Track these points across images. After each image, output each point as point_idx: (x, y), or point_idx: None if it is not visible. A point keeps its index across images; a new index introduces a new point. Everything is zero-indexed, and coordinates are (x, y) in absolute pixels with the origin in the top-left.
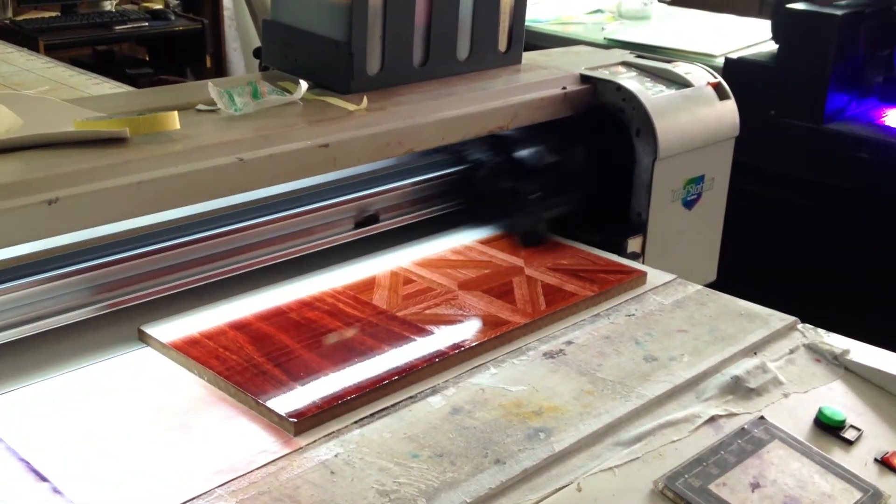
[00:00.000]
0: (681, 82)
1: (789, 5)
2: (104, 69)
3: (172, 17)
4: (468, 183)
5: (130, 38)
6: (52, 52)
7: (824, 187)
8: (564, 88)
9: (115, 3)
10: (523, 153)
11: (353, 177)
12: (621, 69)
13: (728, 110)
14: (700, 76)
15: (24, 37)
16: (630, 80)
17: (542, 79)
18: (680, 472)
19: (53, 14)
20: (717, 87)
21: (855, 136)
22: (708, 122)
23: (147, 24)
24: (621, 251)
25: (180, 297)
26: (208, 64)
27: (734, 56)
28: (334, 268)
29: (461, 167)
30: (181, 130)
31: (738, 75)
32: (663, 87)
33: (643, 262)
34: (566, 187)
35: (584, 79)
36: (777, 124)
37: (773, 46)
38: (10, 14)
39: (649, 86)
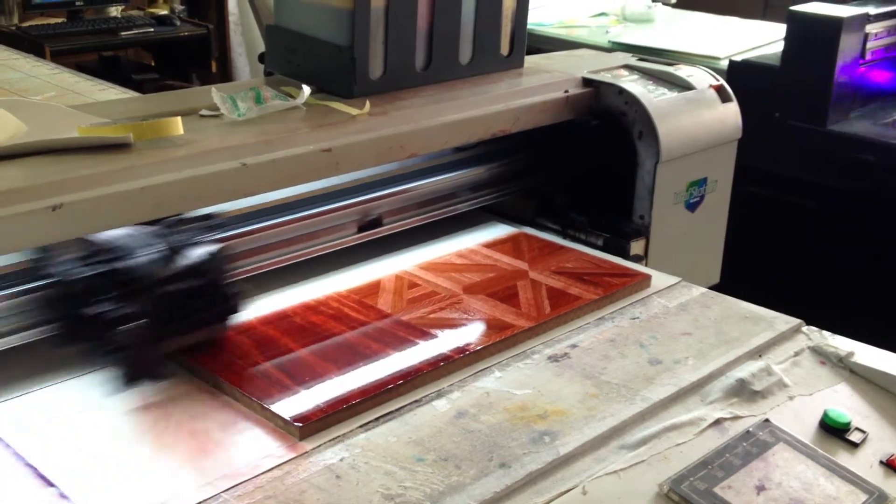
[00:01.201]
0: (683, 85)
1: (793, 8)
2: (110, 75)
3: (178, 23)
4: (50, 305)
5: (136, 43)
6: (58, 58)
7: (829, 189)
8: (566, 92)
9: (120, 8)
10: (134, 261)
11: (356, 180)
12: (623, 72)
13: (730, 113)
14: (702, 79)
15: (29, 43)
16: (632, 84)
17: (544, 82)
18: (685, 475)
19: (59, 20)
20: (719, 90)
21: (859, 139)
22: (710, 124)
23: (152, 29)
24: (624, 254)
25: None
26: (213, 69)
27: (738, 58)
28: (339, 272)
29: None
30: (184, 136)
31: (743, 78)
32: (665, 90)
33: (646, 265)
34: (206, 303)
35: (587, 82)
36: (781, 126)
37: (777, 49)
38: (15, 20)
39: (651, 89)
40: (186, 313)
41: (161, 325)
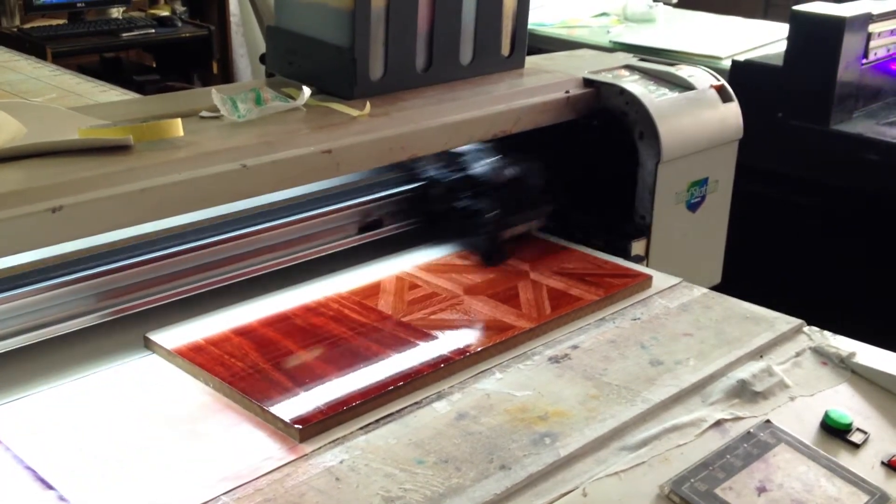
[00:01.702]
0: (684, 85)
1: (796, 7)
2: (111, 76)
3: (179, 24)
4: (422, 201)
5: (137, 44)
6: (60, 59)
7: (832, 189)
8: (567, 92)
9: (121, 10)
10: (479, 169)
11: (357, 181)
12: (624, 72)
13: (731, 113)
14: (703, 79)
15: (31, 45)
16: (633, 84)
17: (545, 83)
18: (686, 476)
19: (60, 22)
20: (720, 90)
21: (862, 138)
22: (711, 124)
23: (154, 30)
24: (625, 254)
25: (185, 303)
26: (215, 70)
27: (741, 58)
28: (339, 273)
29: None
30: (185, 137)
31: (745, 78)
32: (666, 91)
33: (647, 265)
34: (528, 203)
35: (588, 82)
36: (784, 126)
37: (780, 48)
38: (17, 22)
39: (652, 89)
40: (518, 209)
41: (504, 217)
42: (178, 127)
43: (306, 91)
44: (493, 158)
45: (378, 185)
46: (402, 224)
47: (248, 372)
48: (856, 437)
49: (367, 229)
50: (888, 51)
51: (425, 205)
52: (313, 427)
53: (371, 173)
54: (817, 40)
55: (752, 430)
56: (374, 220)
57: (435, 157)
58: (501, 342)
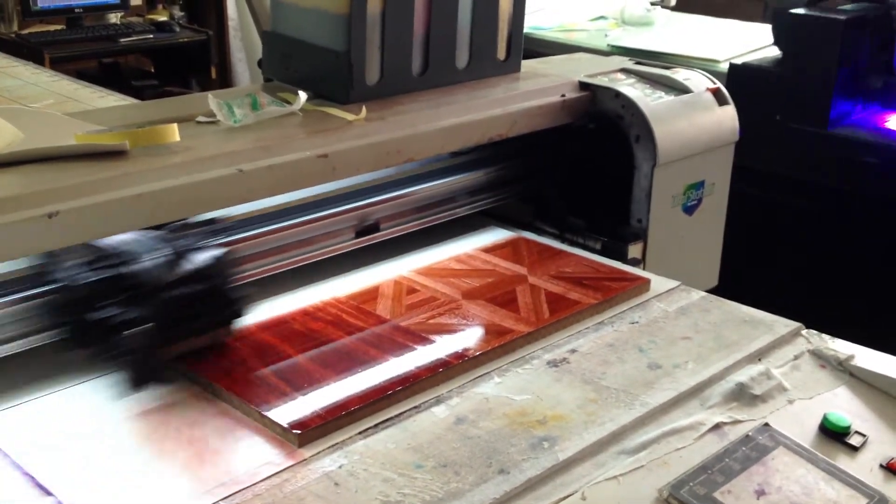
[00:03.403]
0: (680, 88)
1: (793, 10)
2: (110, 81)
3: (177, 29)
4: (55, 310)
5: (135, 50)
6: (58, 65)
7: (830, 191)
8: (563, 96)
9: (119, 15)
10: (139, 265)
11: (353, 186)
12: (620, 76)
13: (727, 116)
14: (699, 82)
15: (29, 50)
16: (629, 87)
17: (541, 86)
18: (685, 479)
19: (59, 27)
20: (716, 93)
21: (859, 141)
22: (707, 127)
23: (152, 35)
24: (622, 257)
25: None
26: (213, 75)
27: (739, 61)
28: (337, 277)
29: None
30: (181, 142)
31: (743, 81)
32: (662, 94)
33: (644, 268)
34: (209, 308)
35: (583, 86)
36: (782, 129)
37: (777, 52)
38: (15, 28)
39: (648, 92)
40: (191, 318)
41: (166, 330)
42: (174, 132)
43: (302, 96)
44: (165, 250)
45: (375, 188)
46: (400, 227)
47: (246, 377)
48: (854, 440)
49: (365, 233)
50: (885, 53)
51: (57, 314)
52: (312, 432)
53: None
54: (814, 43)
55: (750, 434)
56: (372, 224)
57: (82, 249)
58: (500, 346)
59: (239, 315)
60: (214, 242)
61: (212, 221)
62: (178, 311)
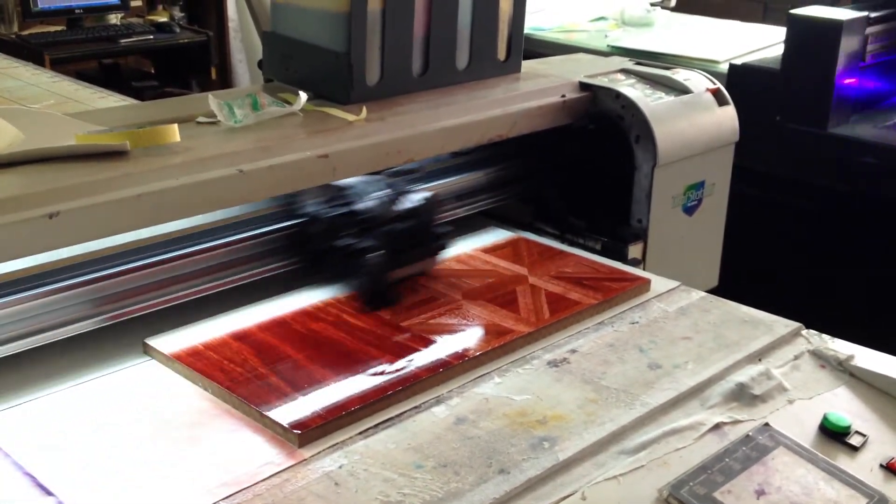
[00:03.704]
0: (680, 89)
1: (793, 11)
2: (110, 82)
3: (177, 30)
4: (302, 239)
5: (136, 50)
6: (58, 66)
7: (830, 192)
8: (563, 96)
9: (120, 16)
10: (366, 204)
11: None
12: (620, 76)
13: (727, 116)
14: (699, 82)
15: (29, 51)
16: (629, 88)
17: (541, 87)
18: (685, 479)
19: (59, 28)
20: (716, 94)
21: (860, 141)
22: (707, 128)
23: (152, 36)
24: (622, 258)
25: (184, 308)
26: (213, 76)
27: (739, 62)
28: None
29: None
30: (181, 143)
31: (743, 81)
32: (662, 94)
33: (644, 269)
34: (422, 240)
35: (584, 86)
36: (782, 130)
37: (777, 52)
38: (15, 29)
39: (648, 93)
40: (408, 248)
41: (391, 257)
42: (174, 132)
43: (303, 96)
44: (384, 192)
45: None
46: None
47: (246, 377)
48: (854, 440)
49: None
50: (886, 54)
51: (305, 243)
52: (312, 432)
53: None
54: (815, 44)
55: (750, 434)
56: None
57: (319, 191)
58: (500, 346)
59: (444, 248)
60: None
61: (415, 170)
62: (400, 242)
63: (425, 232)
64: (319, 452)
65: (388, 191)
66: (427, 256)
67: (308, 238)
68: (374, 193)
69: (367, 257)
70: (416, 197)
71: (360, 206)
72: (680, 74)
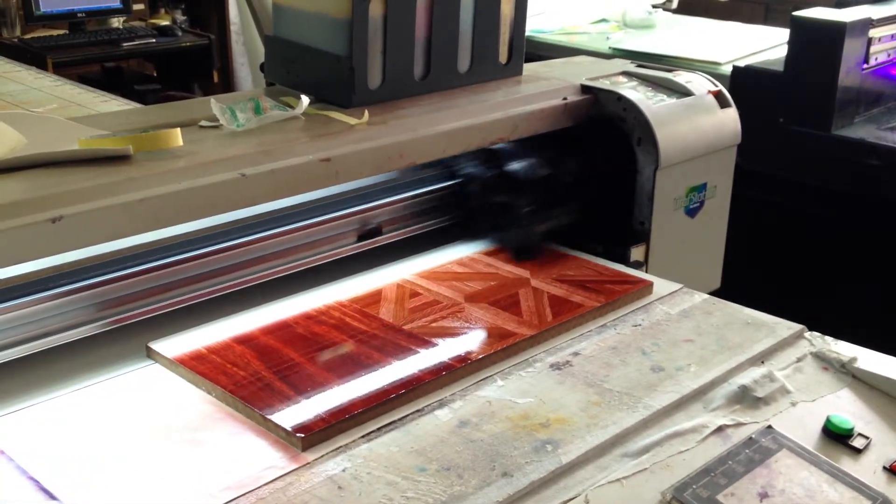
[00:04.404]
0: (681, 91)
1: (796, 13)
2: (112, 86)
3: (179, 33)
4: (461, 196)
5: (138, 54)
6: (61, 69)
7: (833, 194)
8: (565, 99)
9: (122, 20)
10: (516, 166)
11: (355, 190)
12: (622, 79)
13: (729, 118)
14: (701, 85)
15: (32, 55)
16: (630, 90)
17: (542, 90)
18: (688, 482)
19: (61, 32)
20: (717, 96)
21: (864, 143)
22: (709, 130)
23: (154, 40)
24: (625, 260)
25: (187, 312)
26: (215, 79)
27: (741, 64)
28: (340, 281)
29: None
30: (184, 147)
31: (746, 83)
32: (664, 97)
33: (646, 271)
34: (560, 200)
35: (585, 89)
36: (785, 132)
37: (780, 54)
38: (18, 32)
39: (650, 95)
40: (554, 205)
41: (539, 212)
42: (177, 137)
43: (305, 100)
44: (526, 157)
45: (378, 192)
46: (402, 231)
47: (249, 380)
48: (857, 443)
49: (367, 237)
50: (889, 55)
51: (463, 200)
52: (315, 435)
53: (369, 180)
54: (818, 46)
55: (753, 436)
56: (374, 228)
57: (474, 154)
58: (503, 349)
59: (573, 214)
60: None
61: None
62: (545, 200)
63: (562, 192)
64: (323, 456)
65: (532, 159)
66: (565, 213)
67: (466, 195)
68: (520, 159)
69: (522, 212)
70: (550, 163)
71: (510, 167)
72: (681, 77)
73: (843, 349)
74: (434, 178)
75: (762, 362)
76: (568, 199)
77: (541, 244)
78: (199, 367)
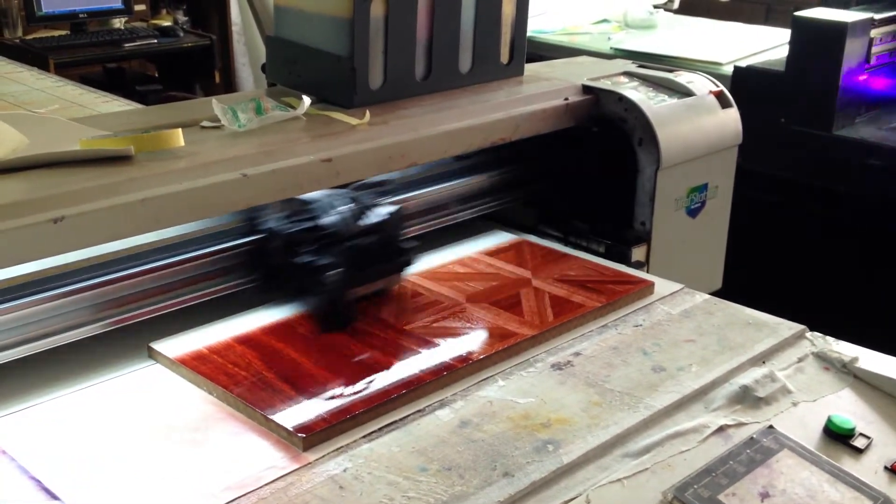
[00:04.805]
0: (683, 91)
1: (798, 13)
2: (114, 86)
3: (181, 34)
4: (260, 255)
5: (140, 55)
6: (62, 70)
7: (835, 194)
8: (566, 99)
9: (123, 20)
10: (327, 219)
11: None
12: (623, 79)
13: (730, 118)
14: (702, 85)
15: (33, 56)
16: (632, 90)
17: (544, 90)
18: (689, 482)
19: (63, 33)
20: (718, 96)
21: (865, 143)
22: (710, 130)
23: (156, 40)
24: (626, 260)
25: (188, 312)
26: (217, 79)
27: (743, 64)
28: None
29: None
30: (185, 147)
31: (748, 83)
32: (665, 97)
33: (648, 271)
34: (385, 256)
35: (587, 89)
36: (787, 132)
37: (781, 54)
38: (19, 33)
39: (651, 95)
40: (371, 264)
41: (352, 275)
42: (178, 137)
43: (306, 100)
44: (347, 206)
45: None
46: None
47: (251, 381)
48: (859, 443)
49: None
50: (890, 55)
51: (263, 259)
52: (317, 435)
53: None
54: (819, 46)
55: (754, 436)
56: None
57: (280, 205)
58: (504, 349)
59: (409, 264)
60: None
61: (384, 183)
62: (362, 259)
63: (387, 248)
64: (324, 456)
65: (351, 205)
66: (389, 273)
67: (266, 254)
68: (336, 208)
69: (325, 275)
70: (380, 211)
71: (320, 221)
72: (683, 77)
73: (845, 349)
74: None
75: (763, 362)
76: (390, 257)
77: (352, 313)
78: (201, 367)
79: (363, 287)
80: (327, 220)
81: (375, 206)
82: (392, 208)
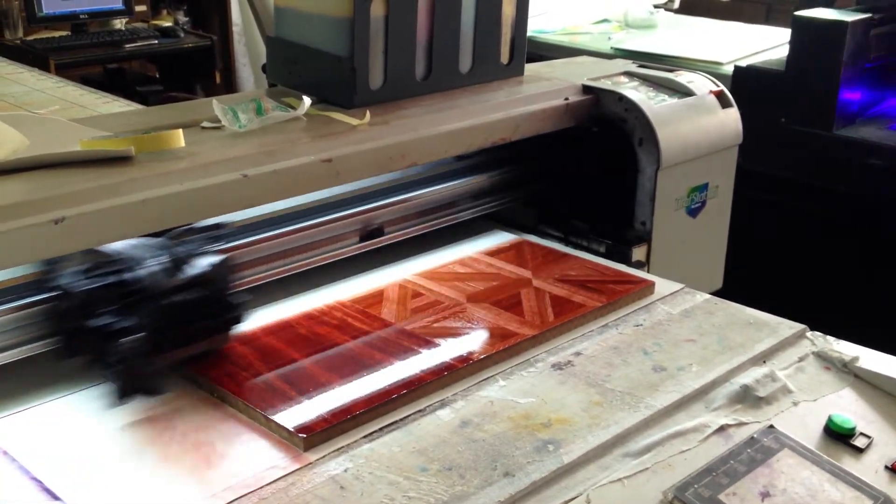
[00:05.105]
0: (683, 91)
1: (798, 13)
2: (114, 87)
3: (181, 35)
4: (53, 317)
5: (140, 55)
6: (63, 71)
7: (835, 194)
8: (567, 99)
9: (124, 21)
10: (135, 273)
11: (358, 190)
12: (623, 79)
13: (731, 118)
14: (702, 85)
15: (34, 56)
16: (632, 90)
17: (544, 90)
18: (689, 482)
19: (63, 33)
20: (719, 96)
21: (866, 143)
22: (710, 130)
23: (156, 41)
24: (627, 260)
25: None
26: (218, 80)
27: (743, 64)
28: (342, 281)
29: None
30: (185, 148)
31: (748, 83)
32: (665, 97)
33: (648, 271)
34: (206, 316)
35: (587, 89)
36: (787, 132)
37: (781, 54)
38: (20, 34)
39: (651, 95)
40: (188, 324)
41: (161, 338)
42: (178, 138)
43: (306, 101)
44: (163, 257)
45: (380, 193)
46: (404, 231)
47: (251, 381)
48: (859, 442)
49: (369, 237)
50: (890, 55)
51: (57, 321)
52: (317, 436)
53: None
54: (819, 45)
55: (755, 436)
56: (376, 228)
57: (82, 257)
58: (504, 349)
59: (237, 321)
60: (216, 248)
61: (215, 227)
62: (176, 318)
63: (210, 304)
64: (324, 456)
65: (166, 257)
66: (214, 332)
67: (57, 315)
68: (148, 260)
69: (123, 340)
70: (203, 263)
71: (126, 276)
72: (683, 77)
73: (845, 349)
74: (438, 178)
75: (764, 362)
76: (210, 315)
77: (156, 382)
78: (202, 367)
79: (181, 350)
80: (134, 274)
81: (196, 256)
82: (217, 259)
